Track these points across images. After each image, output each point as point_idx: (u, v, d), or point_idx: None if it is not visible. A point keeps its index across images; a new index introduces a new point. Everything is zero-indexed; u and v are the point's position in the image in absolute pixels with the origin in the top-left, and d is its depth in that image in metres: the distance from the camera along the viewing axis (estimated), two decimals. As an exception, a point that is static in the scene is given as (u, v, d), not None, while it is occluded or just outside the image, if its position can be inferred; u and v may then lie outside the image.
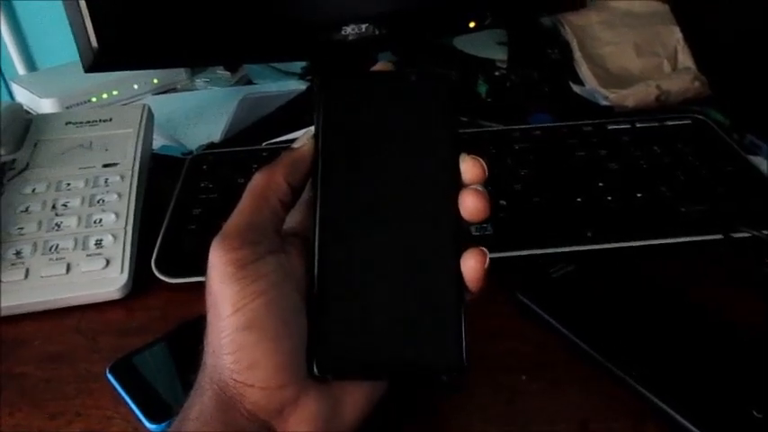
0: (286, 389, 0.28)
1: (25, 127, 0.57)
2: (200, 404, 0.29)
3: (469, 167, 0.31)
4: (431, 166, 0.31)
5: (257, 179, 0.31)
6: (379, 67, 0.35)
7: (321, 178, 0.31)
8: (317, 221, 0.30)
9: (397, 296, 0.29)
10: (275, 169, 0.31)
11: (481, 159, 0.31)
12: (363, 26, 0.62)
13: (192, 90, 0.77)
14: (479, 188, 0.30)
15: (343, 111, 0.32)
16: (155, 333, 0.42)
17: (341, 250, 0.30)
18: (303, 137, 0.33)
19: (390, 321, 0.29)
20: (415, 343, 0.29)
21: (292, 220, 0.32)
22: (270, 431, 0.29)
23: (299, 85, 0.74)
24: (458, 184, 0.31)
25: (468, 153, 0.31)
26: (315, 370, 0.29)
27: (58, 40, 0.66)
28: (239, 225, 0.30)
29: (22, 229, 0.48)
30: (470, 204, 0.30)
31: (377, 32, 0.63)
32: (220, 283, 0.28)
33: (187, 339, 0.41)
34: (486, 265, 0.29)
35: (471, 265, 0.29)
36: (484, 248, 0.30)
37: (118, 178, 0.52)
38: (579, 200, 0.49)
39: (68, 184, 0.51)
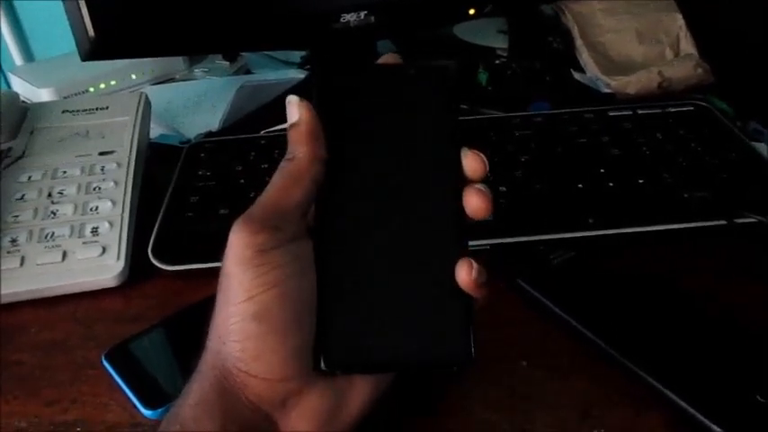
0: (290, 382, 0.28)
1: (21, 115, 0.56)
2: (200, 390, 0.28)
3: (470, 162, 0.30)
4: (433, 160, 0.31)
5: (285, 163, 0.30)
6: (386, 59, 0.34)
7: (321, 187, 0.30)
8: (319, 217, 0.30)
9: (403, 289, 0.29)
10: (299, 151, 0.30)
11: (482, 154, 0.30)
12: (362, 14, 0.62)
13: (190, 80, 0.77)
14: (483, 188, 0.30)
15: (341, 105, 0.31)
16: (151, 321, 0.41)
17: (345, 245, 0.29)
18: (293, 105, 0.30)
19: (397, 314, 0.29)
20: (422, 335, 0.29)
21: None
22: (271, 422, 0.28)
23: (297, 74, 0.73)
24: (460, 179, 0.30)
25: (470, 147, 0.31)
26: (322, 365, 0.28)
27: (56, 31, 0.66)
28: (265, 207, 0.29)
29: (17, 216, 0.47)
30: (474, 203, 0.30)
31: (376, 20, 0.62)
32: (237, 266, 0.28)
33: (184, 326, 0.40)
34: (473, 276, 0.29)
35: (462, 277, 0.29)
36: (471, 260, 0.29)
37: (114, 166, 0.51)
38: (580, 186, 0.48)
39: (64, 172, 0.51)
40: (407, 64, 0.33)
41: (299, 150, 0.30)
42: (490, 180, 0.30)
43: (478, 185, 0.30)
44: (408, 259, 0.29)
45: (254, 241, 0.28)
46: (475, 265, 0.29)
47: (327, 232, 0.30)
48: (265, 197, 0.29)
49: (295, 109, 0.30)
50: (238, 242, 0.28)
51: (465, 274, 0.29)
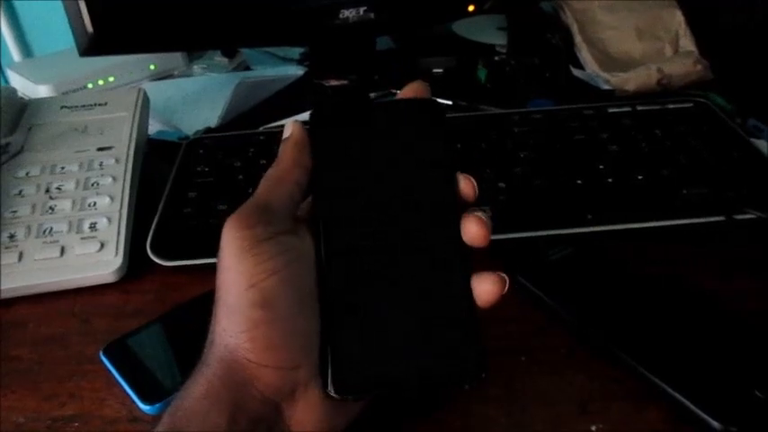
0: (299, 370, 0.28)
1: (20, 111, 0.56)
2: (206, 383, 0.28)
3: (462, 185, 0.31)
4: (431, 188, 0.31)
5: (270, 169, 0.32)
6: (412, 86, 0.34)
7: (321, 209, 0.31)
8: (323, 247, 0.30)
9: (409, 311, 0.29)
10: (282, 159, 0.32)
11: (472, 178, 0.32)
12: (361, 10, 0.62)
13: (189, 76, 0.77)
14: (482, 216, 0.30)
15: (336, 144, 0.32)
16: (149, 316, 0.41)
17: (350, 273, 0.30)
18: (288, 126, 0.33)
19: (404, 336, 0.29)
20: (431, 355, 0.29)
21: (303, 208, 0.33)
22: (279, 412, 0.29)
23: (296, 71, 0.73)
24: (458, 202, 0.31)
25: (461, 172, 0.32)
26: (332, 391, 0.28)
27: (55, 27, 0.66)
28: (254, 205, 0.30)
29: (15, 212, 0.47)
30: (473, 232, 0.30)
31: (375, 17, 0.62)
32: (235, 257, 0.28)
33: (182, 321, 0.40)
34: (504, 291, 0.29)
35: (487, 288, 0.29)
36: (503, 275, 0.30)
37: (113, 161, 0.51)
38: (579, 182, 0.48)
39: (63, 168, 0.51)
40: (397, 100, 0.34)
41: (284, 156, 0.32)
42: (490, 175, 0.30)
43: (478, 213, 0.31)
44: (413, 281, 0.30)
45: (250, 234, 0.29)
46: (507, 279, 0.30)
47: (332, 260, 0.30)
48: (254, 197, 0.31)
49: (289, 127, 0.33)
50: (234, 235, 0.29)
51: (494, 286, 0.29)
